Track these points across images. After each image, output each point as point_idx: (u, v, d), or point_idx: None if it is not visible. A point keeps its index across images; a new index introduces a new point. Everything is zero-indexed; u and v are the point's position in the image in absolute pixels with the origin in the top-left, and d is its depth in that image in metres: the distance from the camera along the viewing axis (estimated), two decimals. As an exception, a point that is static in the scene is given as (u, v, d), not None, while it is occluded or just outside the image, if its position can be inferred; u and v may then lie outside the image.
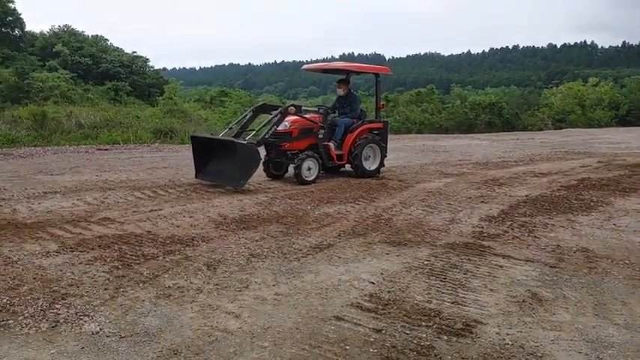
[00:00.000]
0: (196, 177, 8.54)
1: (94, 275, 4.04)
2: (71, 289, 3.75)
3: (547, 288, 3.97)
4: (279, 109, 8.73)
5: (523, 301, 3.70)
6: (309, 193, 7.74)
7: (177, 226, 5.65)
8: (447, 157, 13.88)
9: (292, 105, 8.90)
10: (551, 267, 4.47)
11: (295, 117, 8.78)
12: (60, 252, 4.61)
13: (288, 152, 8.89)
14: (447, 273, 4.26)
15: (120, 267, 4.24)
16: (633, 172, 10.64)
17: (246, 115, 9.12)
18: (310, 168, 8.75)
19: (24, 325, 3.16)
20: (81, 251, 4.64)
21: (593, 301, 3.74)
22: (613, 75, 68.65)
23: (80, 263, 4.32)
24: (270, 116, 8.82)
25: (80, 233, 5.27)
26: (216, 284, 3.92)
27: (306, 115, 9.02)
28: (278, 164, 9.30)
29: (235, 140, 7.99)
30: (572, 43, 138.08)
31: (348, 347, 2.98)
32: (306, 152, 8.76)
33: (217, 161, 8.36)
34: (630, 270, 4.43)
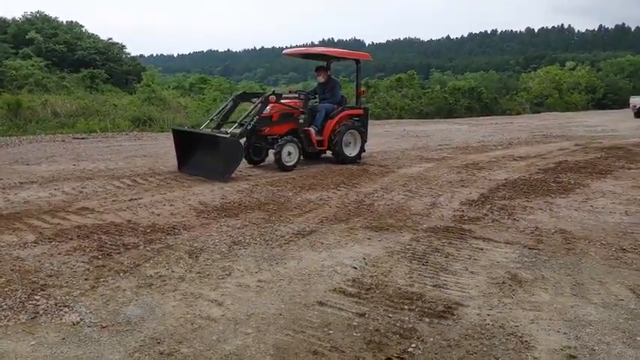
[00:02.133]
0: (179, 170, 8.43)
1: (74, 265, 3.99)
2: (50, 279, 3.70)
3: (526, 269, 4.03)
4: (260, 97, 8.65)
5: (503, 282, 3.76)
6: (290, 180, 7.72)
7: (158, 215, 5.60)
8: (428, 142, 13.95)
9: (273, 93, 8.83)
10: (530, 249, 4.54)
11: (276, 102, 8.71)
12: (38, 243, 4.54)
13: (268, 137, 8.83)
14: (429, 257, 4.30)
15: (100, 257, 4.18)
16: (609, 155, 10.84)
17: (227, 105, 9.03)
18: (290, 153, 8.70)
19: (2, 317, 3.10)
20: (59, 242, 4.57)
21: (571, 281, 3.81)
22: (589, 59, 69.72)
23: (59, 254, 4.26)
24: (252, 105, 8.74)
25: (58, 223, 5.18)
26: (199, 272, 3.90)
27: (286, 101, 8.96)
28: (258, 149, 9.21)
29: (218, 134, 7.89)
30: (549, 27, 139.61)
31: (331, 332, 2.99)
32: (286, 137, 8.71)
33: (200, 154, 8.24)
34: (607, 250, 4.52)
